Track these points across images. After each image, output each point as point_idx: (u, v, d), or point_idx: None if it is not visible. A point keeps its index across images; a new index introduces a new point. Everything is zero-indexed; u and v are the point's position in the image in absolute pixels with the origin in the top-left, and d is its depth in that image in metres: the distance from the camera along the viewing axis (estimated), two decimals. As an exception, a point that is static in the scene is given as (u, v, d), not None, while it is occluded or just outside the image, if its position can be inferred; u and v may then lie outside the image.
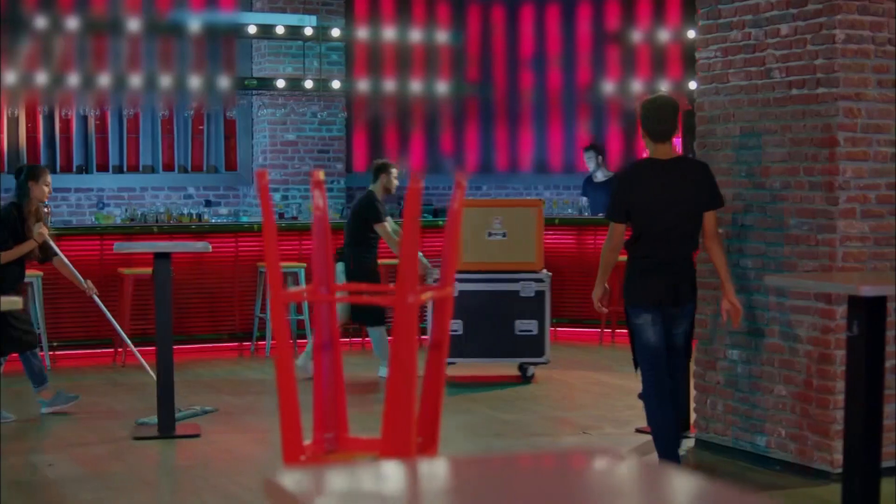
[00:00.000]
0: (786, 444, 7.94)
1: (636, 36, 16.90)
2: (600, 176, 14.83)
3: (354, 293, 4.15)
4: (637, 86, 16.77)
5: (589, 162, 14.91)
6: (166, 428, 9.07)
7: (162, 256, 9.01)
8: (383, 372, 10.96)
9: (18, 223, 9.85)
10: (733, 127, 8.28)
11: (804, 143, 7.77)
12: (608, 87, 16.97)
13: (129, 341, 10.80)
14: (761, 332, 8.09)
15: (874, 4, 7.63)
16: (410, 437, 3.77)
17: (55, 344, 12.48)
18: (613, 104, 17.06)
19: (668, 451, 7.58)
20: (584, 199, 14.90)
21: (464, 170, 16.35)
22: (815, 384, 7.66)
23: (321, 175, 3.97)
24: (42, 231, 9.90)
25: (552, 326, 11.84)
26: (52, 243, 10.11)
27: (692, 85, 12.40)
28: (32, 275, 11.98)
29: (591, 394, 10.78)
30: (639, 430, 9.12)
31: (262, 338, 12.81)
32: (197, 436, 9.06)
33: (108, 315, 10.72)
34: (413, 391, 3.79)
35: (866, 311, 5.55)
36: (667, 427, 7.57)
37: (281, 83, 15.11)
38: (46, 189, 9.98)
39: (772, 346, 8.02)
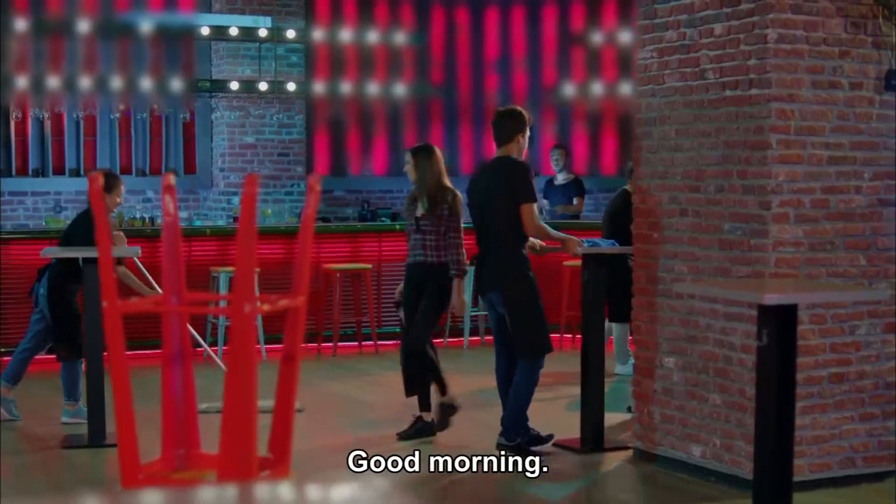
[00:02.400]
0: (720, 454, 7.75)
1: (600, 38, 16.73)
2: (560, 178, 14.65)
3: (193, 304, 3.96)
4: (600, 87, 16.61)
5: (556, 163, 14.73)
6: (97, 437, 8.88)
7: (90, 262, 8.79)
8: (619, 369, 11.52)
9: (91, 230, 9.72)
10: (669, 129, 8.09)
11: (737, 146, 7.58)
12: (572, 88, 16.80)
13: (204, 343, 10.77)
14: (696, 340, 7.90)
15: (808, 3, 7.43)
16: (250, 455, 3.57)
17: (1, 350, 12.25)
18: (578, 106, 16.89)
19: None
20: (545, 201, 14.69)
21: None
22: (748, 393, 7.45)
23: (172, 179, 3.77)
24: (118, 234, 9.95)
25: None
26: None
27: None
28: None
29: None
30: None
31: (214, 343, 12.57)
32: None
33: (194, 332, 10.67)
34: (252, 406, 3.59)
35: (775, 321, 5.35)
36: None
37: (235, 85, 14.92)
38: (118, 200, 9.87)
39: (707, 354, 7.83)
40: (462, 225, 8.88)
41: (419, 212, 8.91)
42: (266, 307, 3.65)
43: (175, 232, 3.79)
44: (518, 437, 8.40)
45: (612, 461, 8.44)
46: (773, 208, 7.38)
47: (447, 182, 8.95)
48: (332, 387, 11.25)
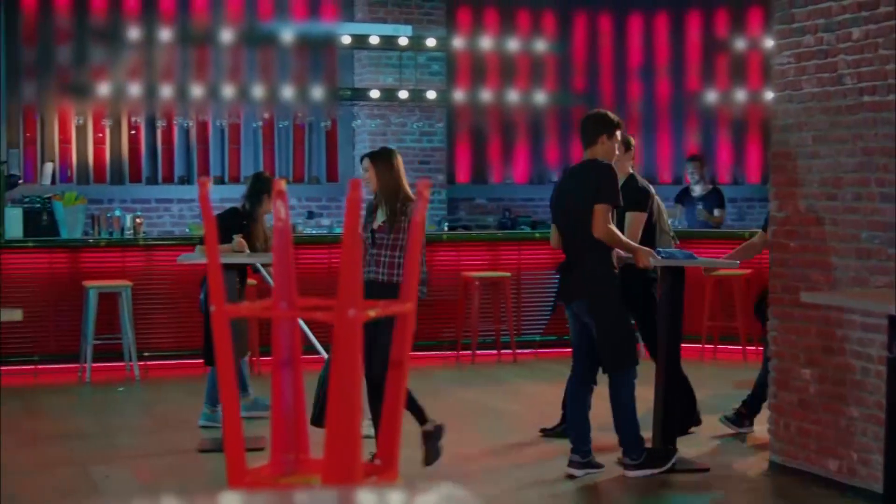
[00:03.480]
0: (857, 469, 7.56)
1: (744, 44, 16.51)
2: (698, 190, 14.41)
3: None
4: (743, 95, 16.40)
5: (692, 175, 14.49)
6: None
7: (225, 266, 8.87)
8: None
9: (234, 227, 9.90)
10: (806, 136, 7.93)
11: (875, 153, 7.39)
12: (715, 96, 16.60)
13: (321, 350, 10.91)
14: (833, 351, 7.72)
15: (949, 6, 7.23)
16: (355, 461, 3.56)
17: (146, 354, 12.47)
18: (721, 113, 16.68)
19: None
20: (680, 208, 14.42)
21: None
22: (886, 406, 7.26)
23: (283, 185, 3.78)
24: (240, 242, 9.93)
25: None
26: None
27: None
28: (122, 285, 12.03)
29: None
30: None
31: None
32: (261, 449, 8.91)
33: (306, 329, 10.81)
34: (357, 412, 3.58)
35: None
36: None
37: (376, 93, 15.01)
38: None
39: (843, 366, 7.65)
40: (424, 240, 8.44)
41: (377, 223, 8.20)
42: (372, 313, 3.63)
43: (286, 237, 3.80)
44: (642, 453, 8.08)
45: (746, 474, 8.29)
46: (913, 217, 7.19)
47: (409, 191, 8.21)
48: (467, 395, 11.24)
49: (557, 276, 8.46)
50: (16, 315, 5.32)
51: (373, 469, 3.81)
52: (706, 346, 13.42)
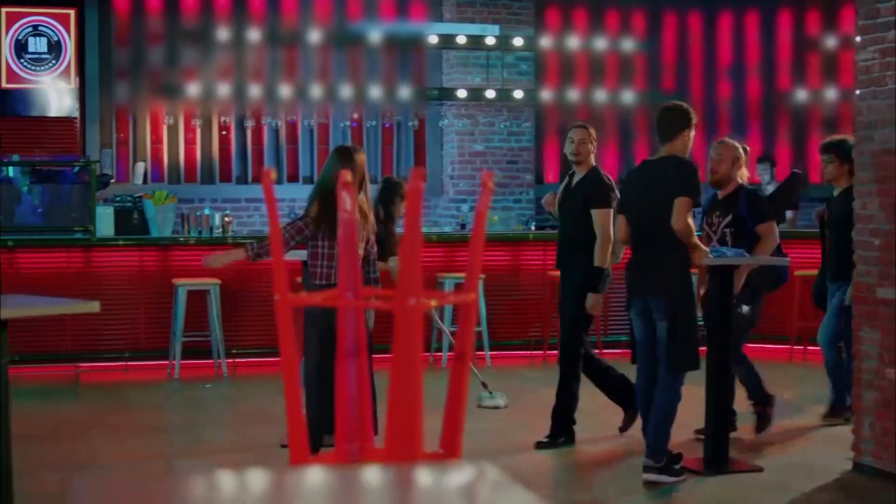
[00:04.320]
0: (942, 469, 7.46)
1: (835, 42, 16.34)
2: (770, 190, 14.27)
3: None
4: (835, 93, 16.23)
5: (763, 174, 14.38)
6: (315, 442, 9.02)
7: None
8: None
9: (386, 235, 10.33)
10: (890, 133, 7.82)
11: (961, 149, 7.29)
12: (806, 94, 16.44)
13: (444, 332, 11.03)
14: (917, 350, 7.62)
15: None
16: (416, 450, 3.58)
17: (234, 351, 12.59)
18: (813, 112, 16.51)
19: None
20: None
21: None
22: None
23: (348, 176, 3.81)
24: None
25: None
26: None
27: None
28: (211, 283, 12.16)
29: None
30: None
31: (439, 349, 12.67)
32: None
33: (439, 323, 10.88)
34: (418, 400, 3.60)
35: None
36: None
37: (463, 93, 15.04)
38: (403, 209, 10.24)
39: (928, 365, 7.55)
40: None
41: None
42: (434, 302, 3.65)
43: (351, 228, 3.83)
44: (663, 459, 7.91)
45: (828, 473, 8.18)
46: None
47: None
48: (550, 393, 11.20)
49: (627, 273, 8.26)
50: (93, 307, 5.40)
51: (435, 457, 3.82)
52: (795, 347, 13.29)
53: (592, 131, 9.23)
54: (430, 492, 2.51)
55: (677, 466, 8.00)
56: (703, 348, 7.89)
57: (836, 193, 9.88)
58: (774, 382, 10.67)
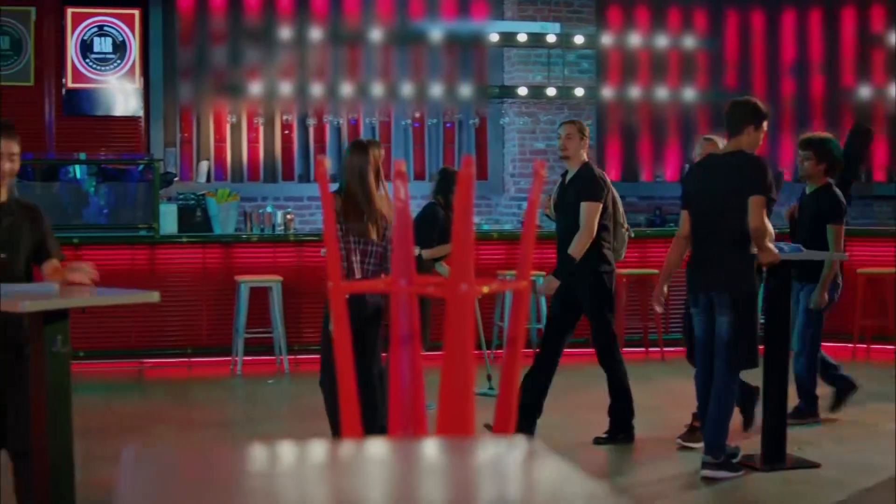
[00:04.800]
0: None
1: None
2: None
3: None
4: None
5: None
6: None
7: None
8: None
9: (448, 223, 9.94)
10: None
11: None
12: (870, 91, 16.33)
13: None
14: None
15: None
16: (469, 434, 3.61)
17: (295, 348, 12.68)
18: (877, 109, 16.39)
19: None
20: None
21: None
22: None
23: (403, 166, 3.85)
24: None
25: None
26: None
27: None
28: (273, 280, 12.25)
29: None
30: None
31: (501, 346, 12.68)
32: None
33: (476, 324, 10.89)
34: (469, 387, 3.63)
35: None
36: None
37: (523, 91, 15.06)
38: None
39: None
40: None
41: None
42: (486, 289, 3.68)
43: (406, 217, 3.86)
44: (721, 455, 7.89)
45: (884, 472, 8.11)
46: None
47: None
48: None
49: (690, 269, 8.19)
50: (153, 296, 5.47)
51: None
52: (859, 345, 13.21)
53: (583, 126, 9.19)
54: (483, 462, 2.56)
55: (735, 461, 7.99)
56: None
57: (808, 191, 9.74)
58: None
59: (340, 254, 7.80)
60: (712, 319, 7.94)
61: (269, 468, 2.44)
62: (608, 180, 9.14)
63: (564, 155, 9.11)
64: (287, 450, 2.56)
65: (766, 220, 7.76)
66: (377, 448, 2.77)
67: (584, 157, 9.08)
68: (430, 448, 2.79)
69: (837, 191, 9.55)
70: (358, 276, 7.53)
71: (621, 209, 9.36)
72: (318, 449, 2.65)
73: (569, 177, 9.11)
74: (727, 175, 7.85)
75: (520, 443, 2.61)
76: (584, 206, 8.86)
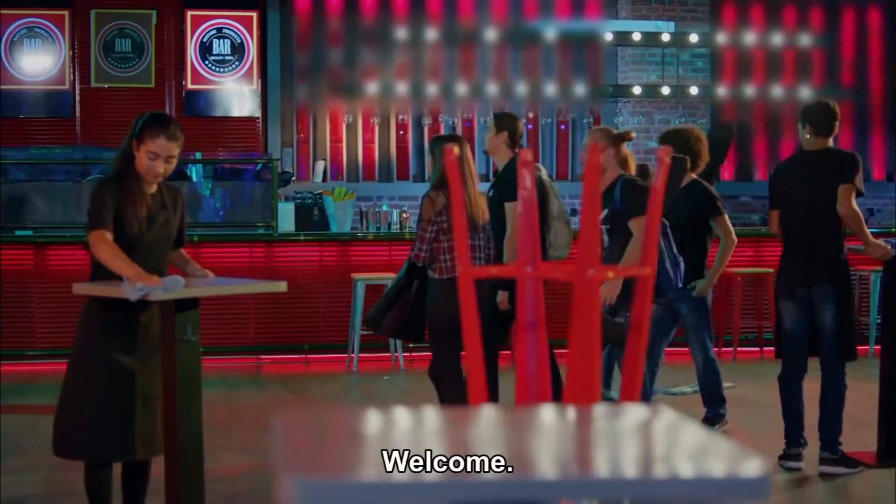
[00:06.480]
0: None
1: None
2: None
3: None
4: None
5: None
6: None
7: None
8: None
9: None
10: None
11: None
12: None
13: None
14: None
15: None
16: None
17: (410, 345, 12.76)
18: None
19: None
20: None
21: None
22: None
23: (529, 155, 3.92)
24: None
25: None
26: None
27: None
28: (388, 277, 12.36)
29: None
30: None
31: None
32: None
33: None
34: (596, 370, 3.69)
35: None
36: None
37: (637, 90, 15.06)
38: None
39: None
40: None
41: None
42: (611, 275, 3.74)
43: (531, 204, 3.93)
44: (838, 450, 7.88)
45: None
46: None
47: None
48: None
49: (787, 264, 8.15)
50: (280, 286, 5.60)
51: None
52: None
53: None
54: (610, 426, 2.64)
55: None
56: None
57: None
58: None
59: (443, 247, 8.01)
60: (808, 314, 7.96)
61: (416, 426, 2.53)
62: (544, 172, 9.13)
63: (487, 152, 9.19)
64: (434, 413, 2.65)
65: (856, 207, 7.81)
66: (498, 414, 2.85)
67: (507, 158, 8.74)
68: (585, 413, 2.89)
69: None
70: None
71: (558, 200, 9.04)
72: (437, 415, 2.74)
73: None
74: (828, 171, 7.91)
75: (648, 409, 2.68)
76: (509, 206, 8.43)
